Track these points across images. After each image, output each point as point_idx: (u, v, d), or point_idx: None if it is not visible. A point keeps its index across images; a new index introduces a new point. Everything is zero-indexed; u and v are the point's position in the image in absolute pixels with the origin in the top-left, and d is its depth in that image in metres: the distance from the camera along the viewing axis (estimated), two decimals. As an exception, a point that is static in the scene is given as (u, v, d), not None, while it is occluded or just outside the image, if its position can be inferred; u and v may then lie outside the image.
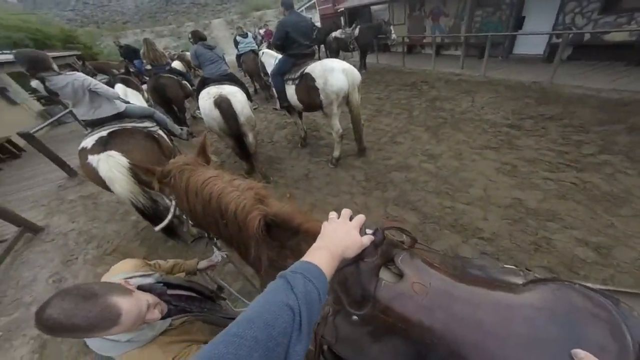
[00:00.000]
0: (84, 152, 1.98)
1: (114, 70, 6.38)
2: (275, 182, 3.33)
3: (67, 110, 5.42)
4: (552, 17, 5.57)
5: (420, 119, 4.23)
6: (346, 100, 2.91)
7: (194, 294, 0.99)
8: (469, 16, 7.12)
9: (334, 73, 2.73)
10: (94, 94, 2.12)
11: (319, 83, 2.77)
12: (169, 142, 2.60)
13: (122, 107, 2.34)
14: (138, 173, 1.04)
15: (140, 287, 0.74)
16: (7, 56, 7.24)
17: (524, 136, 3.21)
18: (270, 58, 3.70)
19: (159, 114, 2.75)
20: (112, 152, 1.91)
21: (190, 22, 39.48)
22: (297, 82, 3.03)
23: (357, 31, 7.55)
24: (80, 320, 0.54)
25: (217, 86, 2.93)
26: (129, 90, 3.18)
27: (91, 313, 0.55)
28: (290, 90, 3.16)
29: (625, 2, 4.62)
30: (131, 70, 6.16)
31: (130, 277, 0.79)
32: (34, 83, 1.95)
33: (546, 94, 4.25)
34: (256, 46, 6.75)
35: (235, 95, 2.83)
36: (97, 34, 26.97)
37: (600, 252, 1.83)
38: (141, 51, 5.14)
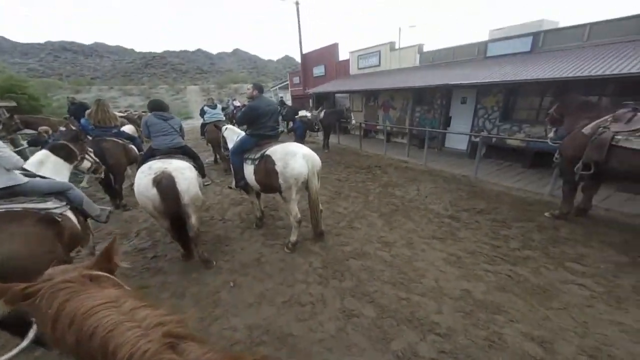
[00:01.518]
0: None
1: (44, 127, 5.87)
2: (218, 268, 3.13)
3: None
4: (469, 120, 7.73)
5: (374, 205, 4.80)
6: (305, 185, 3.11)
7: None
8: (411, 111, 9.45)
9: (295, 157, 2.99)
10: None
11: (278, 166, 2.99)
12: (76, 226, 2.30)
13: (16, 180, 2.03)
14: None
15: None
16: None
17: (463, 228, 3.85)
18: (233, 134, 3.93)
19: (75, 191, 2.47)
20: None
21: (165, 85, 43.05)
22: (256, 162, 3.25)
23: (322, 114, 9.16)
24: None
25: (163, 160, 2.92)
26: (53, 159, 2.66)
27: None
28: (249, 170, 3.36)
29: (516, 114, 6.77)
30: (73, 127, 5.89)
31: None
32: None
33: (474, 188, 5.39)
34: (223, 118, 7.52)
35: (183, 172, 2.83)
36: (55, 86, 27.11)
37: (545, 347, 2.04)
38: (87, 111, 5.03)
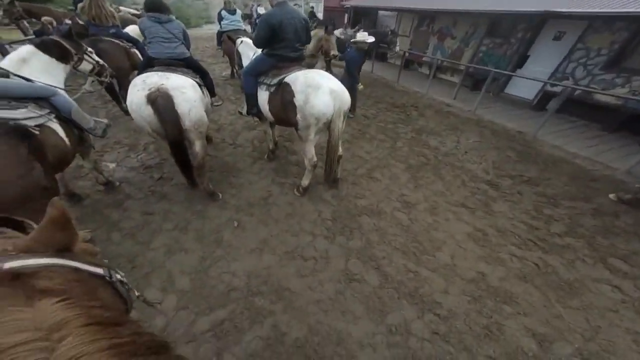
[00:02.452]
0: None
1: (48, 19, 5.53)
2: (224, 202, 3.16)
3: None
4: (554, 63, 6.21)
5: (402, 154, 4.40)
6: (327, 126, 2.77)
7: None
8: (477, 44, 7.69)
9: (319, 92, 2.55)
10: None
11: (298, 99, 2.61)
12: (64, 141, 2.11)
13: None
14: None
15: None
16: None
17: (501, 199, 3.51)
18: (249, 50, 3.47)
19: (62, 97, 2.22)
20: None
21: None
22: (272, 89, 2.85)
23: (359, 35, 7.64)
24: None
25: (160, 74, 2.51)
26: (40, 58, 2.30)
27: None
28: (263, 97, 2.99)
29: (631, 62, 5.19)
30: (80, 22, 5.36)
31: None
32: None
33: (528, 150, 4.72)
34: (242, 26, 6.60)
35: (184, 90, 2.46)
36: None
37: (542, 345, 2.04)
38: (80, 4, 4.44)
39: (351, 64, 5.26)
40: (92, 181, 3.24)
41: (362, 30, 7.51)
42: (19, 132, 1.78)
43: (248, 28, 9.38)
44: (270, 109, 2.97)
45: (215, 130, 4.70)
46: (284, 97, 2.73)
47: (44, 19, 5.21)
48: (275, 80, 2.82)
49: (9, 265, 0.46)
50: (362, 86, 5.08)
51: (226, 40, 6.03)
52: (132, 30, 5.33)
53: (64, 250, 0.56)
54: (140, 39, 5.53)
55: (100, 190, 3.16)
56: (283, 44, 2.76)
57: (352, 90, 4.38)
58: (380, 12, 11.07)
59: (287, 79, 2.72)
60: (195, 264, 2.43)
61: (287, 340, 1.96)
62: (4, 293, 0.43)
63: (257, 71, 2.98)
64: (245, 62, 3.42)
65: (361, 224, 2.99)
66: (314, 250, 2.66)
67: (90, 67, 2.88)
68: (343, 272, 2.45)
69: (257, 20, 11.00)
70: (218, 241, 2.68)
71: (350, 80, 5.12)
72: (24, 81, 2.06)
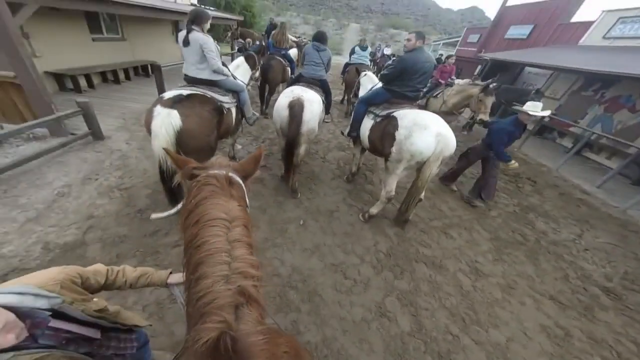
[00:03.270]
0: (159, 100, 2.56)
1: (249, 40, 8.66)
2: (299, 202, 3.71)
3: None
4: None
5: (493, 223, 4.03)
6: (419, 166, 2.85)
7: (91, 335, 0.90)
8: None
9: (424, 132, 2.68)
10: (204, 57, 2.83)
11: (400, 133, 2.82)
12: (232, 120, 3.27)
13: (217, 77, 3.03)
14: (176, 158, 1.05)
15: (12, 308, 0.69)
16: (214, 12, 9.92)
17: (614, 310, 2.79)
18: (369, 83, 3.97)
19: (245, 94, 3.50)
20: (174, 113, 2.42)
21: (333, 19, 49.80)
22: (378, 119, 3.20)
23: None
24: None
25: (303, 88, 3.47)
26: (244, 65, 3.89)
27: None
28: (367, 124, 3.38)
29: None
30: (263, 43, 7.98)
31: (8, 293, 0.73)
32: (181, 33, 2.77)
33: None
34: (368, 62, 7.60)
35: (312, 103, 3.27)
36: (267, 8, 36.91)
37: None
38: (273, 32, 6.53)
39: (499, 138, 3.82)
40: (223, 152, 4.35)
41: (494, 83, 6.95)
42: (219, 109, 2.89)
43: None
44: (369, 136, 3.33)
45: (314, 143, 5.53)
46: (386, 128, 3.01)
47: (247, 40, 7.80)
48: (384, 112, 3.16)
49: (230, 174, 0.95)
50: (515, 164, 3.89)
51: (351, 71, 7.00)
52: (292, 53, 7.21)
53: (247, 176, 1.05)
54: (295, 59, 7.44)
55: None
56: (405, 84, 3.10)
57: (491, 171, 4.14)
58: (529, 69, 10.32)
59: (395, 113, 3.01)
60: (260, 241, 2.96)
61: (299, 338, 2.15)
62: (223, 187, 0.90)
63: (371, 101, 3.42)
64: (362, 92, 3.96)
65: (415, 269, 2.94)
66: (357, 273, 2.80)
67: (257, 74, 4.33)
68: (377, 305, 2.49)
69: (380, 58, 12.67)
70: (283, 231, 3.17)
71: (489, 157, 4.11)
72: (235, 80, 3.37)
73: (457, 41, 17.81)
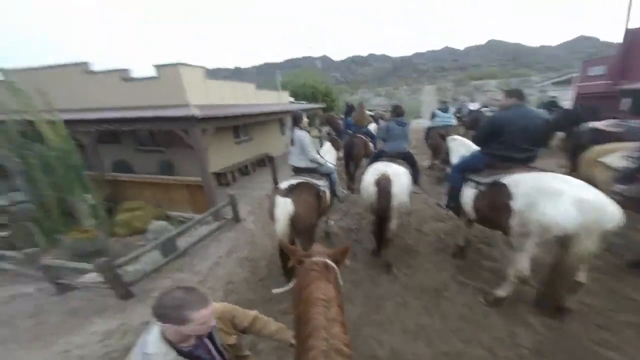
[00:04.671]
0: (277, 190, 3.11)
1: (337, 121, 9.74)
2: (395, 278, 3.39)
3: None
4: None
5: None
6: (562, 242, 2.16)
7: None
8: None
9: (557, 200, 2.07)
10: (304, 150, 3.50)
11: (517, 203, 2.29)
12: (327, 200, 3.62)
13: (313, 165, 3.59)
14: (286, 248, 1.46)
15: None
16: (300, 105, 13.13)
17: None
18: (461, 147, 3.58)
19: (335, 175, 3.90)
20: (288, 201, 2.85)
21: (406, 86, 50.59)
22: (482, 188, 2.72)
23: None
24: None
25: (386, 164, 3.54)
26: (331, 149, 4.41)
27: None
28: (469, 193, 2.91)
29: None
30: (339, 121, 9.19)
31: None
32: (289, 132, 3.61)
33: None
34: (453, 123, 7.21)
35: (400, 177, 3.27)
36: (343, 90, 42.25)
37: None
38: (353, 113, 7.36)
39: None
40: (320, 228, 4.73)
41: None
42: (318, 193, 3.31)
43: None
44: (474, 206, 2.83)
45: (405, 214, 5.25)
46: (496, 198, 2.52)
47: (325, 129, 9.10)
48: (487, 179, 2.69)
49: (328, 262, 1.18)
50: None
51: (434, 136, 6.69)
52: (372, 128, 7.73)
53: (338, 262, 1.23)
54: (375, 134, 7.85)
55: (322, 236, 4.54)
56: (506, 145, 2.64)
57: None
58: None
59: (503, 179, 2.50)
60: (354, 317, 2.77)
61: None
62: (322, 272, 1.12)
63: (468, 168, 3.04)
64: (454, 159, 3.60)
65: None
66: None
67: (340, 154, 4.90)
68: None
69: (466, 116, 11.43)
70: (379, 307, 2.91)
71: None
72: (328, 165, 3.83)
73: (570, 78, 14.90)
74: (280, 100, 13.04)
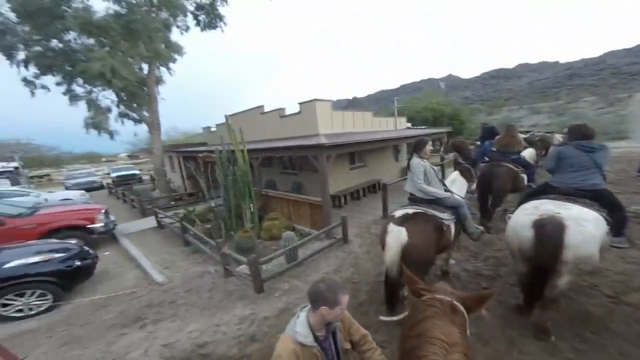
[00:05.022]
0: (390, 217, 2.98)
1: (468, 147, 8.05)
2: (554, 348, 2.44)
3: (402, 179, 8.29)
4: None
5: None
6: None
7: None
8: None
9: None
10: (417, 178, 3.14)
11: None
12: (451, 235, 3.07)
13: (430, 195, 3.10)
14: (408, 275, 1.24)
15: None
16: (422, 131, 12.31)
17: None
18: None
19: (465, 209, 3.21)
20: (402, 230, 2.67)
21: (592, 96, 32.79)
22: None
23: None
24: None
25: (558, 203, 2.52)
26: (460, 179, 3.64)
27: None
28: None
29: None
30: (473, 146, 7.36)
31: None
32: (415, 160, 3.18)
33: None
34: None
35: (584, 223, 2.29)
36: (477, 110, 33.20)
37: None
38: (497, 137, 5.76)
39: None
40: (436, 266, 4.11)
41: None
42: (439, 226, 2.88)
43: None
44: None
45: (588, 274, 3.61)
46: None
47: (467, 149, 7.31)
48: None
49: (456, 303, 0.99)
50: None
51: None
52: (527, 154, 5.81)
53: (469, 310, 1.03)
54: (533, 160, 5.92)
55: (438, 275, 3.93)
56: None
57: None
58: None
59: None
60: None
61: None
62: (446, 312, 0.96)
63: None
64: None
65: None
66: None
67: (474, 187, 3.94)
68: None
69: None
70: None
71: None
72: (455, 196, 3.23)
73: None
74: (396, 126, 12.78)
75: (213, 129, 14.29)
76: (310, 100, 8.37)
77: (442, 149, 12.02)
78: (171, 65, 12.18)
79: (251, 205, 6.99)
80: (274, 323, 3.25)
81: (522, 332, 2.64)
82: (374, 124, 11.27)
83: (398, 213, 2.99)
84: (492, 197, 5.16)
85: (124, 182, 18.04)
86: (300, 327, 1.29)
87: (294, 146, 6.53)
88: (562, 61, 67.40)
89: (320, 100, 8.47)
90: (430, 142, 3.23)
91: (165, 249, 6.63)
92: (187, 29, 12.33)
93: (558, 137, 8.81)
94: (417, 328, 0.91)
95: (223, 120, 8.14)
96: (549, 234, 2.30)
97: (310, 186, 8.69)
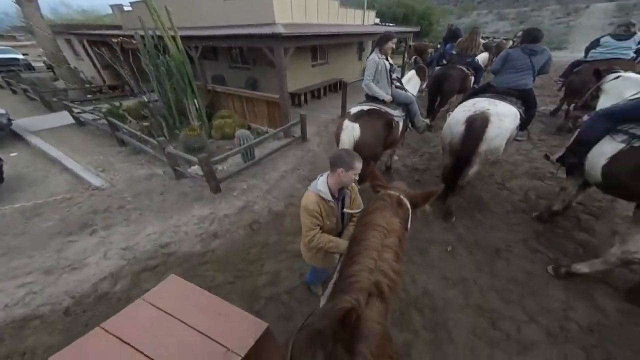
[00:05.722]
0: (347, 114, 2.95)
1: (427, 50, 7.67)
2: (453, 225, 3.10)
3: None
4: None
5: None
6: None
7: None
8: None
9: None
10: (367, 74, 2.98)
11: None
12: (399, 132, 3.21)
13: (372, 93, 3.05)
14: (368, 171, 1.32)
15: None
16: (390, 28, 10.80)
17: None
18: (627, 89, 2.46)
19: (415, 105, 3.33)
20: (356, 126, 2.73)
21: (555, 4, 31.33)
22: (637, 144, 2.02)
23: None
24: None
25: (490, 100, 2.78)
26: (415, 78, 3.67)
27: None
28: (606, 149, 2.17)
29: None
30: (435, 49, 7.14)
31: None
32: (373, 57, 2.91)
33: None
34: (630, 54, 4.50)
35: (503, 119, 2.57)
36: (447, 12, 30.38)
37: None
38: (459, 39, 5.65)
39: None
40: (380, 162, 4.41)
41: None
42: (390, 122, 2.95)
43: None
44: (607, 168, 2.16)
45: (491, 163, 4.34)
46: None
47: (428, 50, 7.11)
48: None
49: (402, 198, 1.08)
50: None
51: (585, 71, 4.59)
52: (481, 58, 5.93)
53: (415, 205, 1.13)
54: (484, 65, 6.10)
55: (382, 170, 4.30)
56: None
57: None
58: None
59: None
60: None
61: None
62: (394, 206, 1.05)
63: (622, 116, 2.17)
64: (606, 103, 2.56)
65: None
66: (515, 329, 2.09)
67: (424, 85, 3.95)
68: None
69: None
70: (423, 250, 2.81)
71: None
72: (406, 92, 3.29)
73: None
74: (364, 21, 10.87)
75: (127, 8, 10.38)
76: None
77: (406, 54, 11.12)
78: None
79: (195, 101, 6.01)
80: (235, 220, 3.40)
81: (435, 215, 3.24)
82: (340, 16, 9.28)
83: (353, 110, 2.98)
84: (440, 97, 5.40)
85: (3, 67, 13.52)
86: (321, 185, 1.53)
87: (245, 34, 5.27)
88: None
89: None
90: (395, 40, 2.88)
91: (96, 150, 5.71)
92: None
93: (510, 44, 9.03)
94: (367, 217, 1.03)
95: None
96: (476, 127, 2.54)
97: (267, 82, 7.68)
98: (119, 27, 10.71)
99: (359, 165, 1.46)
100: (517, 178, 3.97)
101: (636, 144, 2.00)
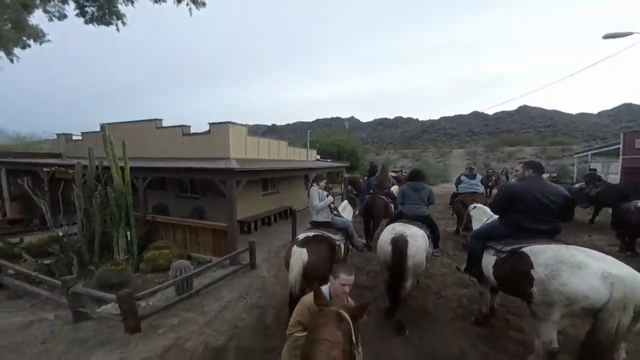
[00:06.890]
0: (295, 240, 3.20)
1: (360, 182, 9.69)
2: (408, 339, 2.97)
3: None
4: None
5: None
6: (593, 314, 1.93)
7: None
8: None
9: (580, 273, 1.97)
10: (310, 203, 3.57)
11: (538, 272, 2.17)
12: (342, 253, 3.50)
13: (331, 218, 3.64)
14: (317, 292, 1.44)
15: None
16: (328, 163, 13.64)
17: None
18: (482, 215, 3.57)
19: (352, 228, 3.85)
20: (304, 251, 2.89)
21: (433, 148, 46.90)
22: (502, 255, 2.57)
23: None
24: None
25: (404, 225, 3.40)
26: (348, 207, 4.50)
27: None
28: (489, 260, 2.75)
29: None
30: (361, 180, 9.00)
31: None
32: (313, 188, 3.61)
33: None
34: (480, 190, 6.46)
35: (417, 239, 3.14)
36: (368, 150, 40.36)
37: None
38: (376, 174, 7.22)
39: None
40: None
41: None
42: (333, 246, 3.27)
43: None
44: (494, 274, 2.67)
45: (425, 277, 4.78)
46: (516, 265, 2.39)
47: (348, 188, 8.90)
48: (507, 248, 2.57)
49: (340, 312, 1.22)
50: None
51: (457, 205, 6.29)
52: (394, 189, 7.45)
53: (356, 318, 1.25)
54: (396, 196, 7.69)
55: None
56: (523, 215, 2.58)
57: None
58: None
59: (525, 249, 2.39)
60: None
61: None
62: (334, 320, 1.18)
63: (488, 236, 2.91)
64: (475, 226, 3.52)
65: None
66: None
67: (356, 212, 4.78)
68: None
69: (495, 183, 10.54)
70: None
71: None
72: (343, 219, 3.92)
73: (611, 149, 13.06)
74: (308, 157, 13.88)
75: (77, 137, 11.10)
76: (224, 122, 7.90)
77: (342, 185, 13.59)
78: (17, 50, 8.00)
79: (128, 233, 5.57)
80: (156, 365, 2.55)
81: (390, 330, 3.12)
82: (288, 154, 11.63)
83: (301, 236, 3.24)
84: (372, 221, 6.36)
85: None
86: (324, 290, 1.60)
87: (200, 168, 5.86)
88: (421, 118, 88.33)
89: (235, 123, 8.10)
90: (325, 179, 3.81)
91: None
92: (63, 17, 9.17)
93: None
94: (313, 333, 1.13)
95: (96, 129, 6.52)
96: (399, 247, 3.02)
97: (215, 212, 7.75)
98: (57, 156, 10.62)
99: (344, 276, 1.56)
100: (449, 287, 4.34)
101: (502, 256, 2.59)
